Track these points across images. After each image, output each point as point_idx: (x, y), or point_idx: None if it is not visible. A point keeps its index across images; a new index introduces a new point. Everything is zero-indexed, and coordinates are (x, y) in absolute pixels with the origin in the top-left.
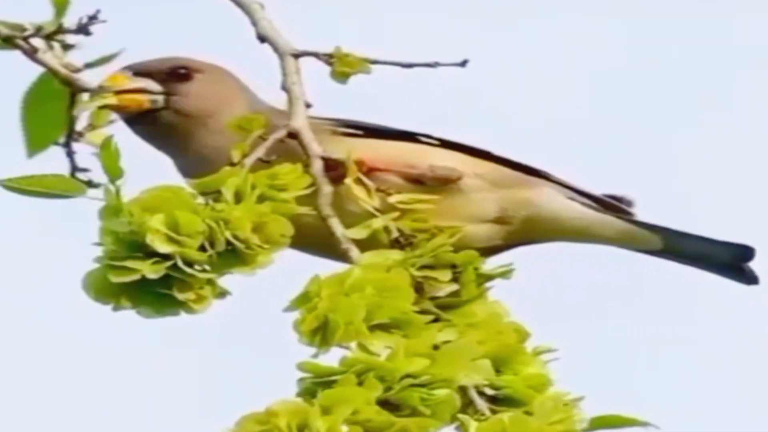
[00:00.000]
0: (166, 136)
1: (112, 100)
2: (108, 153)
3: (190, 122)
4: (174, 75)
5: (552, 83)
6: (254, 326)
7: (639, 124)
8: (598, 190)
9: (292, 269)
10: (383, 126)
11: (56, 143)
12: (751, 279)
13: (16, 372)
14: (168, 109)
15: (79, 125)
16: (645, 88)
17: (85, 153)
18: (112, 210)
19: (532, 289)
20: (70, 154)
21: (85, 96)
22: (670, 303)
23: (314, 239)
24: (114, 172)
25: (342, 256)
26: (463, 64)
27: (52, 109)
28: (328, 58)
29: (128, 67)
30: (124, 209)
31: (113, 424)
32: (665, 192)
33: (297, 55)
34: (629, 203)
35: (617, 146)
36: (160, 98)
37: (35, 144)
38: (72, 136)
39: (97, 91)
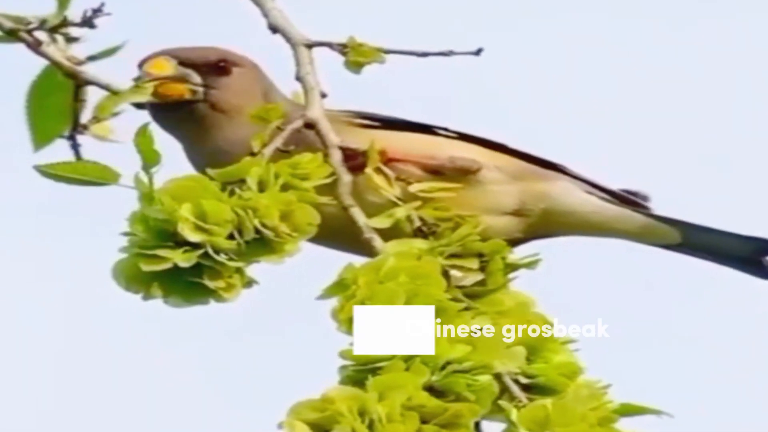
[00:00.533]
0: (196, 127)
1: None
2: (144, 139)
3: (222, 116)
4: (215, 68)
5: (565, 77)
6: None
7: (654, 118)
8: (613, 185)
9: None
10: (400, 118)
11: (61, 136)
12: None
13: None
14: (206, 102)
15: (84, 117)
16: (660, 81)
17: (90, 145)
18: (147, 197)
19: (542, 281)
20: (75, 147)
21: (89, 88)
22: (682, 296)
23: (335, 230)
24: (151, 159)
25: (364, 246)
26: (478, 52)
27: (57, 102)
28: (341, 48)
29: (170, 53)
30: (156, 197)
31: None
32: (680, 187)
33: (310, 46)
34: (645, 198)
35: (632, 140)
36: (200, 90)
37: (40, 137)
38: (77, 128)
39: (139, 77)
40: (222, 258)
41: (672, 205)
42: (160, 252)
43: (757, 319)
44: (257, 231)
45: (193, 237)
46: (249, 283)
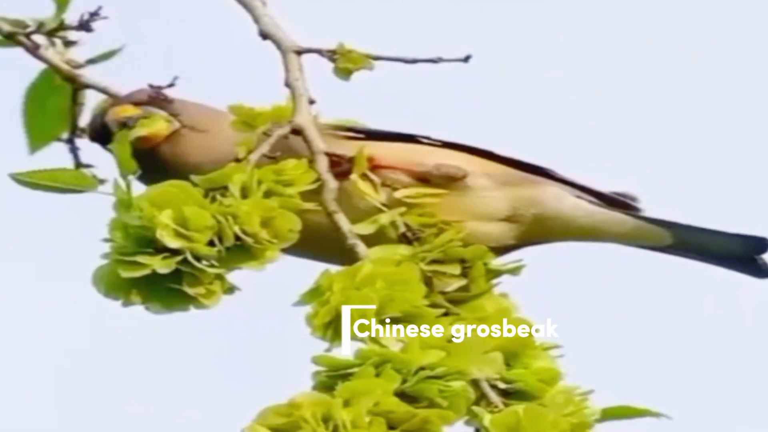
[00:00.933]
0: (184, 155)
1: (143, 131)
2: (122, 147)
3: (204, 135)
4: (162, 99)
5: (553, 80)
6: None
7: (640, 118)
8: (602, 187)
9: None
10: (383, 130)
11: (59, 139)
12: (764, 272)
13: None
14: (184, 126)
15: (82, 121)
16: (645, 80)
17: (88, 149)
18: (123, 204)
19: (529, 285)
20: (74, 150)
21: (87, 92)
22: (674, 296)
23: (317, 240)
24: (127, 166)
25: (346, 256)
26: (466, 59)
27: (54, 106)
28: (331, 55)
29: (123, 101)
30: (134, 204)
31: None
32: (668, 188)
33: (300, 52)
34: (634, 199)
35: (618, 143)
36: (173, 119)
37: (37, 140)
38: (75, 132)
39: (125, 126)
40: (202, 265)
41: (661, 207)
42: (139, 258)
43: (750, 318)
44: (237, 238)
45: (173, 243)
46: (230, 289)
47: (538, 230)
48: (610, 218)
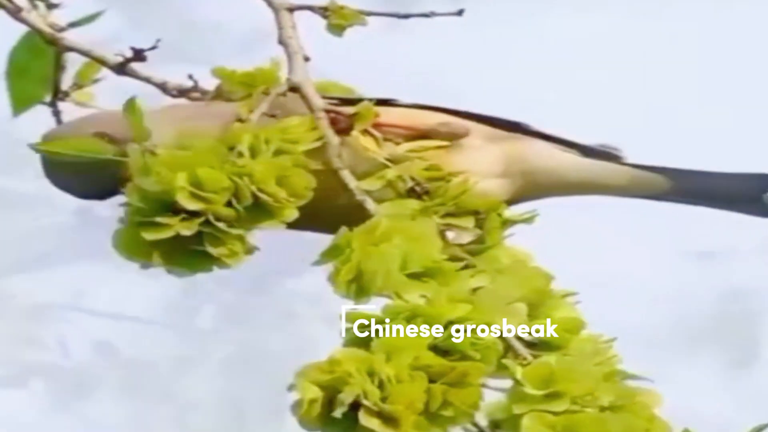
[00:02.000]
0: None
1: None
2: (133, 114)
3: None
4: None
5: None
6: None
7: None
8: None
9: None
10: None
11: (42, 102)
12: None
13: None
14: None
15: (65, 84)
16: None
17: (70, 111)
18: (143, 170)
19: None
20: (57, 114)
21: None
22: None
23: (324, 200)
24: (140, 133)
25: (342, 219)
26: (460, 13)
27: (37, 68)
28: (323, 12)
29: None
30: (152, 169)
31: None
32: (643, 140)
33: (292, 9)
34: (617, 150)
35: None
36: None
37: (20, 102)
38: (58, 95)
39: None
40: (222, 225)
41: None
42: (161, 220)
43: None
44: (254, 197)
45: (192, 206)
46: (250, 249)
47: (531, 186)
48: (604, 169)
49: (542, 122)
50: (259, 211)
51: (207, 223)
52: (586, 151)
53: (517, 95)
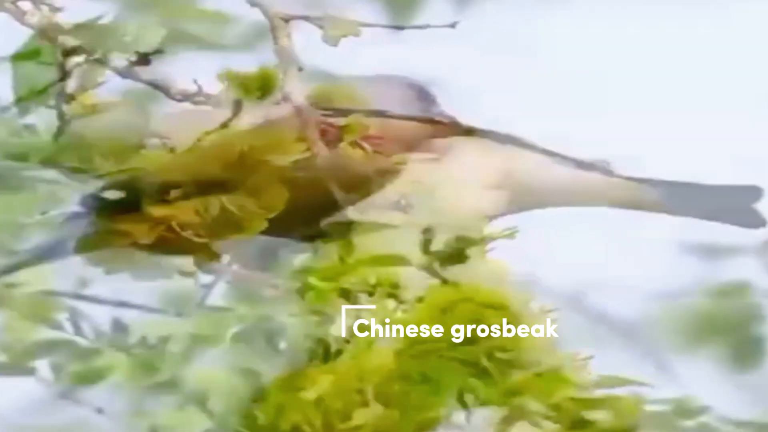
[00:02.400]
0: None
1: None
2: None
3: None
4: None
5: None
6: None
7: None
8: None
9: None
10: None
11: (47, 106)
12: (759, 222)
13: None
14: None
15: (70, 87)
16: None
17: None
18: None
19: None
20: (62, 117)
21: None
22: None
23: (296, 212)
24: None
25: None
26: (453, 25)
27: (42, 72)
28: (319, 22)
29: None
30: None
31: None
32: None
33: (287, 19)
34: (608, 164)
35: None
36: None
37: (25, 106)
38: (63, 98)
39: None
40: (187, 234)
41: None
42: (124, 227)
43: None
44: (223, 208)
45: (158, 212)
46: (216, 258)
47: (527, 198)
48: (597, 182)
49: (538, 134)
50: (226, 221)
51: (171, 230)
52: (580, 163)
53: (513, 107)
